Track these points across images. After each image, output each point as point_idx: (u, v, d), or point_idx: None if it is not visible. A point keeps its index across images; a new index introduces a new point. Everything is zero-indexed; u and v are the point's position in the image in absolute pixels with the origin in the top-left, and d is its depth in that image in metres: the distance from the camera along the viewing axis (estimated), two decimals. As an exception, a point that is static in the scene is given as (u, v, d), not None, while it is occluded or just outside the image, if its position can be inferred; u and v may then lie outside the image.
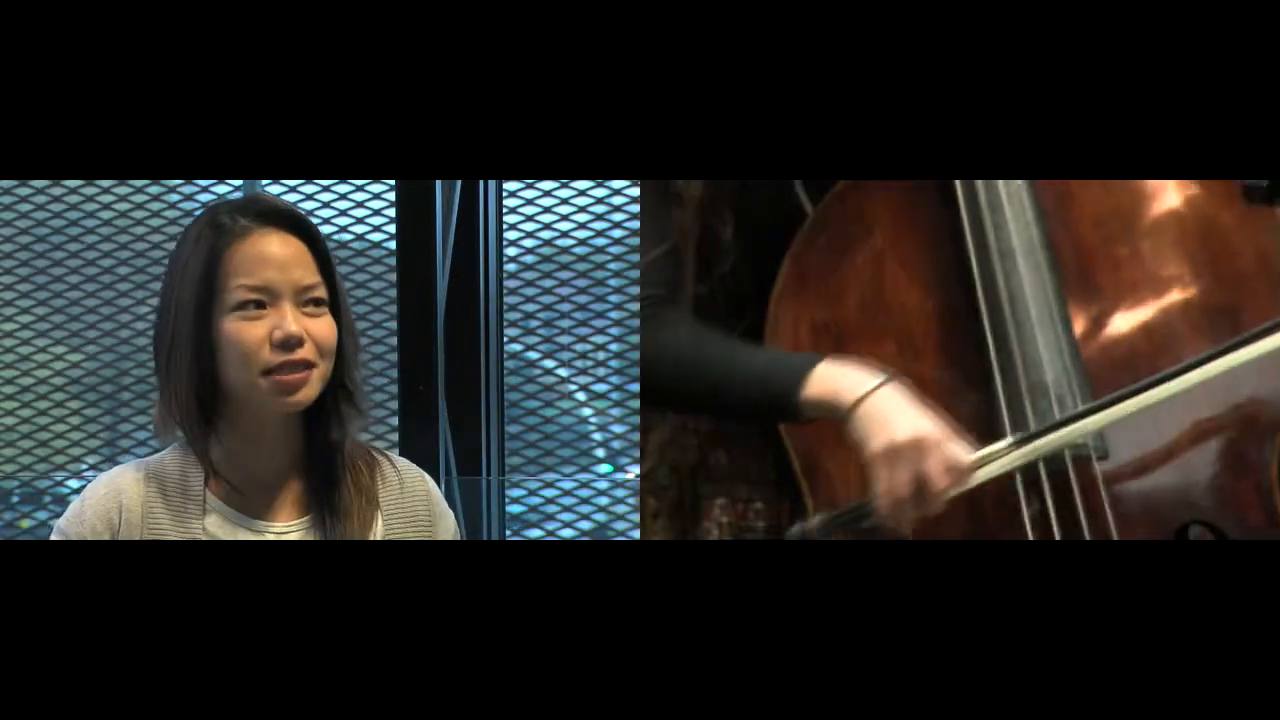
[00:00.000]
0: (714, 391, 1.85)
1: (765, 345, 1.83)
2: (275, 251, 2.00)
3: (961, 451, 1.77)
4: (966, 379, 1.75)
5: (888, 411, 1.73)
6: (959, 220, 1.83)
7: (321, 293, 2.01)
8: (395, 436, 4.64)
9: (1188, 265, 1.76)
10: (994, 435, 1.79)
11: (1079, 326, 1.76)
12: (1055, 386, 1.74)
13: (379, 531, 2.06)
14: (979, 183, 1.85)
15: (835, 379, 1.80)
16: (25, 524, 4.89)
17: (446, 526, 2.12)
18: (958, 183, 1.89)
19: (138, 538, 1.97)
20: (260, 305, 1.97)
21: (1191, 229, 1.77)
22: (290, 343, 1.96)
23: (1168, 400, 1.65)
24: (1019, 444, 1.74)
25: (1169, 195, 1.84)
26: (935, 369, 1.75)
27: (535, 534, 4.75)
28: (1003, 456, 1.77)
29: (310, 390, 1.98)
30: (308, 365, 1.97)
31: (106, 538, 1.98)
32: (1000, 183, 1.86)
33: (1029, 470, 1.76)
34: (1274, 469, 1.80)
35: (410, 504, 2.09)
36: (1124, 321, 1.76)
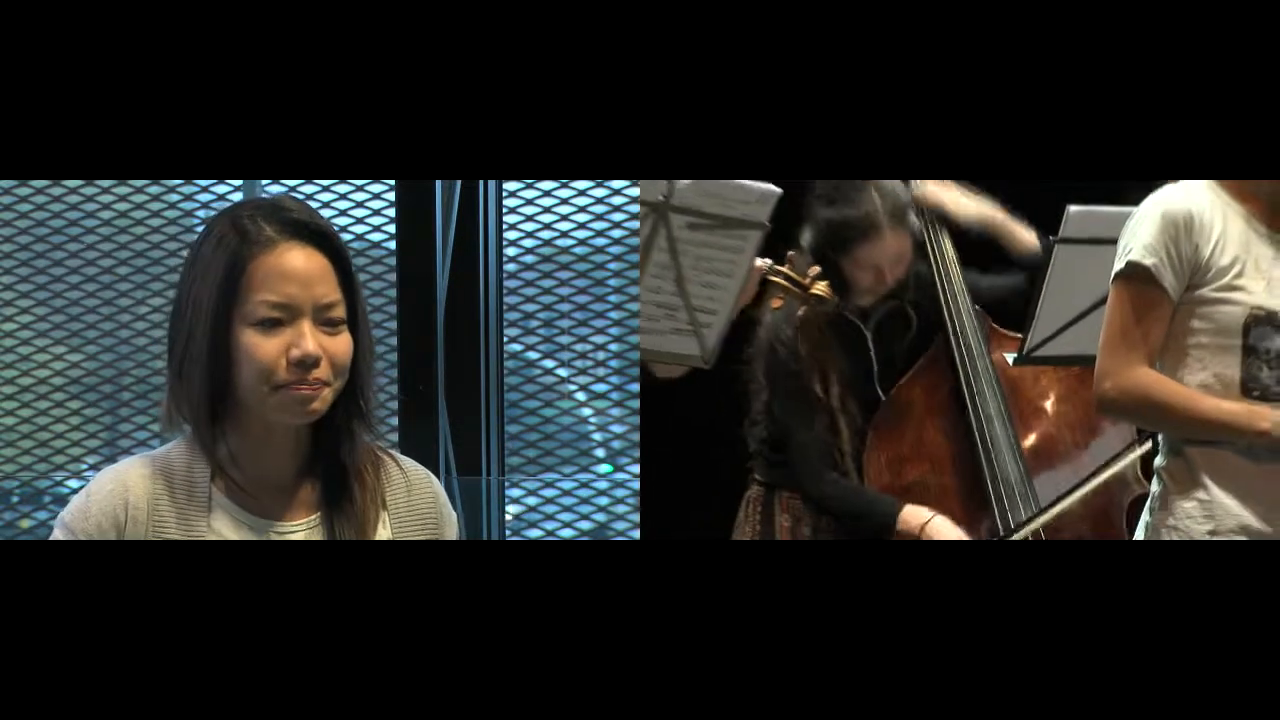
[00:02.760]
0: (853, 520, 3.09)
1: (866, 468, 3.12)
2: (299, 267, 1.96)
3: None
4: (967, 478, 3.09)
5: (934, 535, 3.01)
6: (963, 398, 3.08)
7: (341, 311, 1.98)
8: (395, 436, 4.64)
9: (1078, 425, 3.13)
10: (986, 505, 3.11)
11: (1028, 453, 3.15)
12: (1016, 484, 3.09)
13: (385, 532, 2.05)
14: (971, 380, 3.09)
15: (910, 519, 3.04)
16: (25, 524, 4.89)
17: (452, 527, 2.12)
18: (963, 382, 3.09)
19: (144, 533, 1.96)
20: (279, 321, 1.95)
21: (1073, 400, 3.11)
22: (306, 362, 1.94)
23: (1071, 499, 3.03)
24: (1005, 536, 3.05)
25: (1065, 389, 3.14)
26: (950, 477, 3.11)
27: (535, 534, 4.75)
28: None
29: (321, 405, 1.96)
30: (322, 384, 1.96)
31: (112, 536, 1.97)
32: (983, 376, 3.10)
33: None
34: (1124, 524, 3.08)
35: (418, 505, 2.08)
36: (1043, 450, 3.13)
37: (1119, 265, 2.54)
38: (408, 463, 2.14)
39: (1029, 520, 2.92)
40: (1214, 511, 2.50)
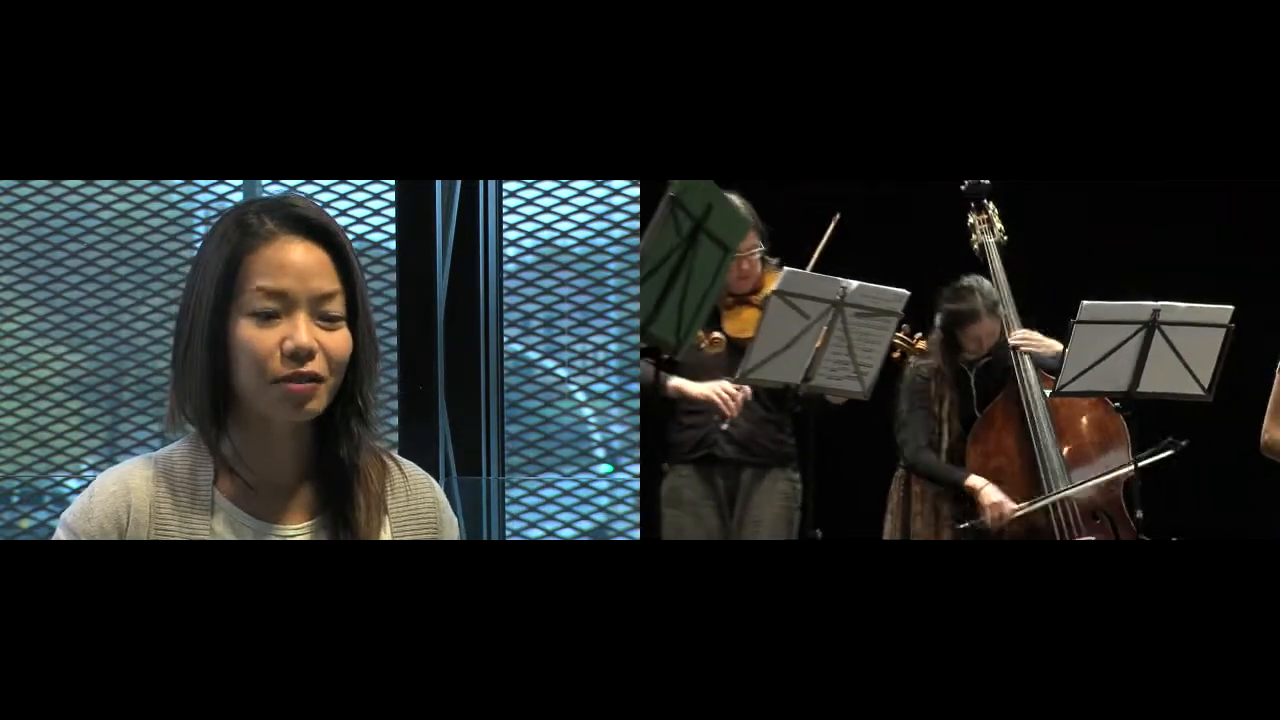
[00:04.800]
0: (938, 483, 4.76)
1: (969, 457, 4.78)
2: (296, 259, 1.95)
3: (1011, 506, 4.61)
4: (1028, 466, 4.69)
5: (986, 495, 4.60)
6: (1026, 418, 4.72)
7: (339, 305, 1.96)
8: (395, 436, 4.65)
9: (1096, 433, 4.75)
10: (1038, 484, 4.70)
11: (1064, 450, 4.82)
12: (1057, 471, 4.68)
13: (386, 535, 2.04)
14: (1031, 408, 4.70)
15: (974, 483, 4.64)
16: (25, 524, 4.90)
17: (451, 531, 2.11)
18: (1026, 409, 4.72)
19: (146, 535, 1.95)
20: (274, 314, 1.94)
21: (1093, 420, 4.74)
22: (300, 354, 1.92)
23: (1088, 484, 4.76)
24: (1032, 503, 4.68)
25: (1091, 416, 4.72)
26: (1018, 465, 4.70)
27: (535, 534, 4.75)
28: (1028, 506, 4.65)
29: (317, 403, 1.95)
30: (316, 379, 1.94)
31: (114, 537, 1.96)
32: (1039, 406, 4.70)
33: (1054, 507, 4.73)
34: (1126, 514, 4.65)
35: (417, 508, 2.07)
36: (1075, 452, 4.72)
37: None
38: (409, 466, 2.12)
39: (1061, 492, 4.68)
40: None
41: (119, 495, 2.00)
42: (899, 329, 4.44)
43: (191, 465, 2.01)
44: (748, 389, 4.27)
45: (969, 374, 4.81)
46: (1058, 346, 4.57)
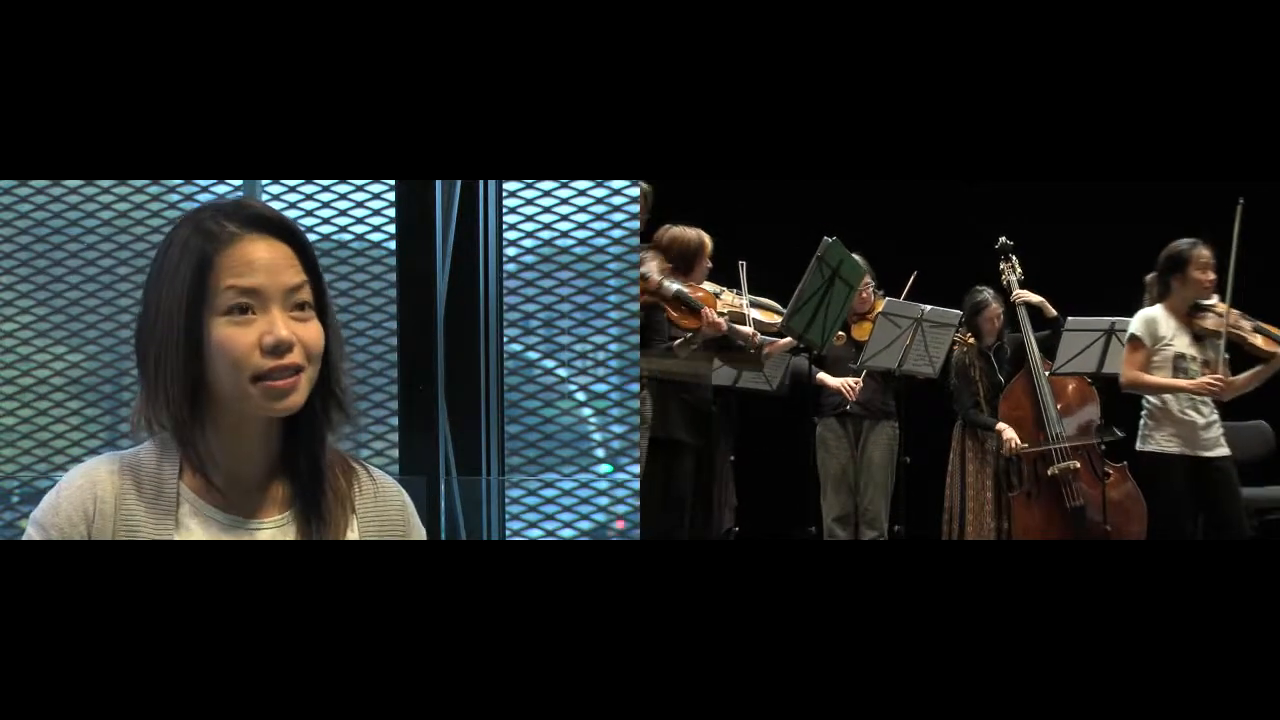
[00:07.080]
0: (979, 426, 7.31)
1: (999, 412, 7.34)
2: (263, 255, 1.98)
3: (1018, 441, 7.20)
4: (1037, 419, 7.26)
5: (1004, 433, 7.18)
6: (1035, 388, 7.25)
7: (308, 295, 1.98)
8: (395, 436, 4.65)
9: (1078, 396, 7.32)
10: (1044, 427, 7.25)
11: (1059, 406, 7.34)
12: (1055, 422, 7.22)
13: (354, 536, 2.05)
14: (1037, 381, 7.25)
15: (1000, 426, 7.22)
16: (25, 524, 4.89)
17: (418, 538, 2.11)
18: (1034, 382, 7.28)
19: (111, 528, 1.96)
20: (249, 310, 1.95)
21: (1076, 389, 7.31)
22: (280, 348, 1.93)
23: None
24: (1036, 445, 7.26)
25: (1075, 389, 7.30)
26: (1030, 418, 7.22)
27: (535, 534, 4.75)
28: (1033, 448, 7.24)
29: (299, 396, 1.95)
30: (297, 370, 1.95)
31: (81, 528, 1.97)
32: (1042, 380, 7.22)
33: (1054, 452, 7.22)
34: (1096, 448, 7.34)
35: (385, 512, 2.07)
36: (1064, 406, 7.32)
37: (1129, 333, 6.01)
38: (378, 473, 2.14)
39: (1057, 441, 7.21)
40: (1163, 425, 5.92)
41: (85, 489, 2.03)
42: (956, 333, 7.18)
43: (157, 461, 2.03)
44: (860, 380, 6.96)
45: (991, 355, 7.42)
46: (1041, 299, 7.27)
